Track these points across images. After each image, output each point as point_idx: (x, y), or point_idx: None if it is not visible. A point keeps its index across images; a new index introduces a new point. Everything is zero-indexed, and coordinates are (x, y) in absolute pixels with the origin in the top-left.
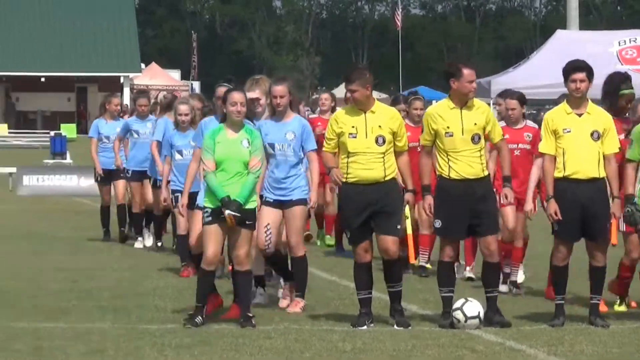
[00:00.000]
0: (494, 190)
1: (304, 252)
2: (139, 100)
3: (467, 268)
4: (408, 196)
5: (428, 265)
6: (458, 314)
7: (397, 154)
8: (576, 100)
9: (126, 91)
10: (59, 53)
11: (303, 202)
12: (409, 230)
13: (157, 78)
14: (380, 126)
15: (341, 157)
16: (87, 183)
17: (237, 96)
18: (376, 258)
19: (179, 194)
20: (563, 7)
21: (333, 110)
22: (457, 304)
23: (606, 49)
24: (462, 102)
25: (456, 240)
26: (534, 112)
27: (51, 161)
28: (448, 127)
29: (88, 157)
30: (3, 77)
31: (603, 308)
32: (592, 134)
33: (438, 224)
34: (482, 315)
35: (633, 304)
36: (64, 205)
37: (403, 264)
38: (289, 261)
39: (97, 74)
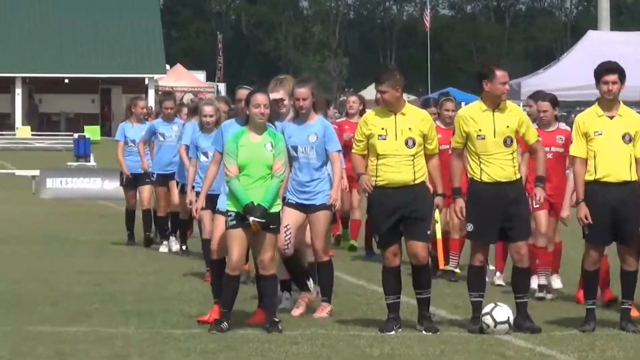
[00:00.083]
0: (526, 193)
1: (329, 256)
2: (165, 103)
3: (497, 274)
4: (438, 200)
5: (457, 270)
6: (487, 319)
7: (428, 157)
8: (608, 102)
9: (151, 93)
10: (83, 54)
11: (327, 206)
12: (439, 235)
13: (182, 79)
14: (410, 128)
15: (370, 160)
16: (111, 186)
17: (260, 98)
18: (405, 262)
19: None
20: (594, 8)
21: (362, 113)
22: (486, 309)
23: (638, 50)
24: (495, 104)
25: (487, 243)
26: (565, 114)
27: (75, 164)
28: (480, 130)
29: (112, 159)
30: (26, 79)
31: (634, 313)
32: (623, 137)
33: (470, 227)
34: (511, 320)
35: None
36: (88, 208)
37: (434, 265)
38: (315, 266)
39: (122, 75)
